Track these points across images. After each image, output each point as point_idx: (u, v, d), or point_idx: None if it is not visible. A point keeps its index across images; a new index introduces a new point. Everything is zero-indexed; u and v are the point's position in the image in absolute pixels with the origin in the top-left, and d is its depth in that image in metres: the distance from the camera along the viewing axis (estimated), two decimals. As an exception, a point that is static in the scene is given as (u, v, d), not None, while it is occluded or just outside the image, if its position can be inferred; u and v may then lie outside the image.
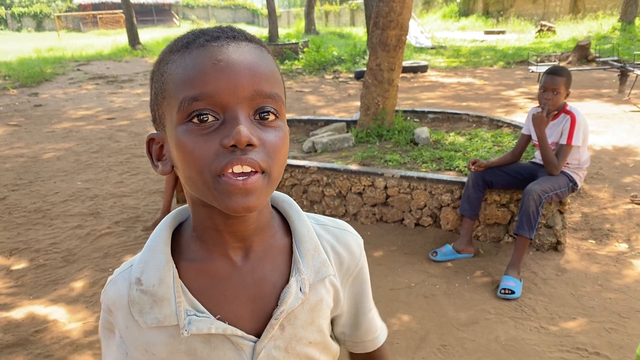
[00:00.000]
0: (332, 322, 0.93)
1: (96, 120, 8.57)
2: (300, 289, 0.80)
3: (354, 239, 0.91)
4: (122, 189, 5.14)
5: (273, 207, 0.87)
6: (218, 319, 0.76)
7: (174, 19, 44.07)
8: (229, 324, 0.77)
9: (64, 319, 3.01)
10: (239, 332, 0.77)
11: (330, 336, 0.92)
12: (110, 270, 3.52)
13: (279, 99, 0.72)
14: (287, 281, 0.81)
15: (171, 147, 0.72)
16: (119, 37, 25.61)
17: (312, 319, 0.83)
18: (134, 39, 20.22)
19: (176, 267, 0.78)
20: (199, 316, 0.76)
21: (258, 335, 0.79)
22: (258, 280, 0.80)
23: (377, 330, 0.98)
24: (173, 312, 0.75)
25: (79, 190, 5.17)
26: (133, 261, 0.81)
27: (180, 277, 0.77)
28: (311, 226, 0.86)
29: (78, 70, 15.10)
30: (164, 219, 0.83)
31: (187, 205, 0.83)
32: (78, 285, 3.37)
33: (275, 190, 0.79)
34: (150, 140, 0.78)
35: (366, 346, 0.97)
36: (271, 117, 0.71)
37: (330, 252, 0.86)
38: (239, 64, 0.68)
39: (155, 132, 0.78)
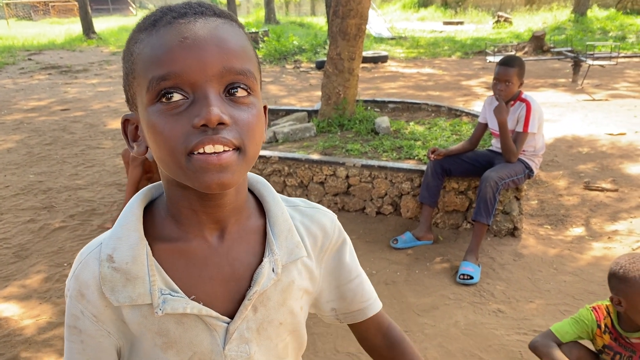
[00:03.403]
0: (318, 304, 0.94)
1: (49, 111, 8.28)
2: (273, 270, 0.80)
3: (326, 216, 0.91)
4: (77, 182, 4.99)
5: (248, 189, 0.86)
6: (192, 299, 0.76)
7: (131, 8, 42.97)
8: (203, 304, 0.76)
9: (17, 316, 2.90)
10: (214, 313, 0.77)
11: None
12: (65, 265, 3.42)
13: (251, 75, 0.70)
14: (261, 262, 0.80)
15: (143, 127, 0.71)
16: (73, 26, 24.78)
17: (283, 300, 0.84)
18: (88, 28, 19.56)
19: (149, 245, 0.76)
20: (173, 295, 0.75)
21: (231, 316, 0.79)
22: (232, 261, 0.79)
23: (365, 301, 0.96)
24: (147, 290, 0.74)
25: (31, 183, 4.99)
26: (101, 239, 0.78)
27: (153, 256, 0.76)
28: (285, 208, 0.86)
29: (29, 59, 14.54)
30: (134, 195, 0.81)
31: (158, 182, 0.82)
32: (31, 281, 3.26)
33: None
34: (126, 121, 0.77)
35: (355, 317, 0.96)
36: (242, 93, 0.69)
37: (303, 233, 0.87)
38: (207, 41, 0.66)
39: (129, 112, 0.76)
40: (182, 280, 0.76)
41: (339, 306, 0.95)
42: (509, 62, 3.35)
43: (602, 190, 4.29)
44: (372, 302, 0.98)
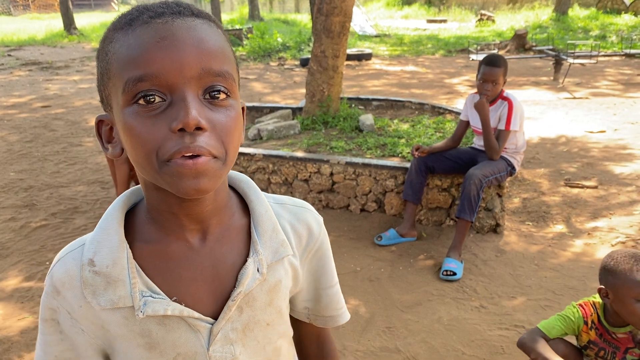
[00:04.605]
0: (293, 300, 0.93)
1: (30, 108, 8.17)
2: (258, 270, 0.79)
3: (313, 217, 0.90)
4: (59, 180, 4.94)
5: (231, 187, 0.85)
6: (174, 300, 0.75)
7: (113, 3, 42.47)
8: (185, 306, 0.75)
9: (-3, 315, 2.87)
10: (196, 314, 0.76)
11: (291, 316, 0.93)
12: (47, 263, 3.39)
13: (230, 77, 0.69)
14: (246, 262, 0.79)
15: (119, 129, 0.69)
16: (54, 22, 24.44)
17: (270, 300, 0.83)
18: (69, 24, 19.30)
19: (130, 248, 0.75)
20: (154, 297, 0.74)
21: (216, 317, 0.78)
22: (215, 261, 0.78)
23: (339, 309, 0.97)
24: (128, 293, 0.73)
25: (11, 181, 4.93)
26: (84, 240, 0.77)
27: (134, 259, 0.75)
28: (269, 206, 0.85)
29: (9, 55, 14.32)
30: (116, 199, 0.81)
31: (139, 186, 0.81)
32: (12, 281, 3.22)
33: None
34: (100, 122, 0.75)
35: (326, 322, 0.96)
36: (222, 96, 0.68)
37: (289, 231, 0.86)
38: (185, 42, 0.65)
39: (104, 113, 0.75)
40: (163, 282, 0.76)
41: (312, 307, 0.95)
42: (494, 62, 3.37)
43: (583, 187, 4.36)
44: (344, 312, 0.99)
